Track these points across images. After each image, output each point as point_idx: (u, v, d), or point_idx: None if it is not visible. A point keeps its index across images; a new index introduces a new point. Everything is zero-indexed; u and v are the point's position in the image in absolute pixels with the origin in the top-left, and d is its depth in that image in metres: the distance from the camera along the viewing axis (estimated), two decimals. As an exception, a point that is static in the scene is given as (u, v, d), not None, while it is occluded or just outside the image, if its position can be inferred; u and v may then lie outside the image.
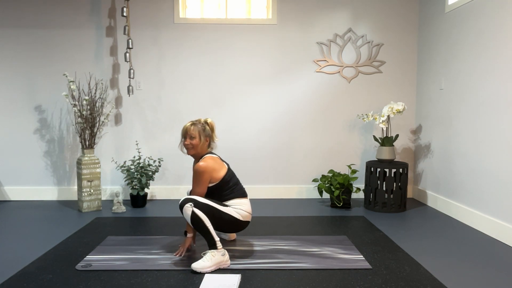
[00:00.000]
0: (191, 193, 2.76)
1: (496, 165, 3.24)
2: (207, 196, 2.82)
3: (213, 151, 2.90)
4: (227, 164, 2.88)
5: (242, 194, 2.84)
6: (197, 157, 2.85)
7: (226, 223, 2.71)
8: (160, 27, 4.45)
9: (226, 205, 2.74)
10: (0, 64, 4.40)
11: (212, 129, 2.87)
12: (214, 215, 2.63)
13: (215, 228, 2.71)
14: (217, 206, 2.67)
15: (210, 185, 2.75)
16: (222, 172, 2.76)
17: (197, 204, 2.58)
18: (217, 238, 2.59)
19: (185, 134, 2.79)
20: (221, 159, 2.88)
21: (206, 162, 2.71)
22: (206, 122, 2.86)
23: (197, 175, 2.68)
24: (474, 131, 3.52)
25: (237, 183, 2.85)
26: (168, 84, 4.51)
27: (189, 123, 2.80)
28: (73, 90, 4.08)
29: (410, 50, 4.58)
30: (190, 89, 4.52)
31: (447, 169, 3.96)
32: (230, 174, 2.82)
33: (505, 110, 3.14)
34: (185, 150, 2.94)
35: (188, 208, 2.56)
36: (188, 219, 2.57)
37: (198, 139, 2.77)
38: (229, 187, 2.79)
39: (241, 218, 2.76)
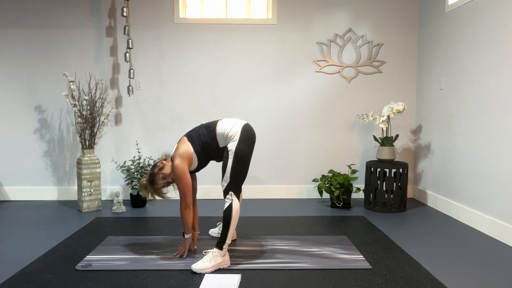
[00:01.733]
0: (179, 188, 2.68)
1: (496, 165, 3.24)
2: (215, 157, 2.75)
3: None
4: (184, 135, 2.79)
5: (214, 124, 2.72)
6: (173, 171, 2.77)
7: (246, 150, 2.62)
8: (160, 27, 4.45)
9: (226, 153, 2.64)
10: (0, 64, 4.40)
11: (154, 172, 2.72)
12: (240, 165, 2.59)
13: (250, 159, 2.66)
14: (230, 164, 2.58)
15: (196, 162, 2.70)
16: (188, 146, 2.67)
17: (233, 186, 2.57)
18: (228, 241, 2.58)
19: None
20: (178, 142, 2.80)
21: (176, 159, 2.65)
22: (145, 182, 2.75)
23: (177, 173, 2.63)
24: (474, 131, 3.52)
25: (201, 128, 2.74)
26: (168, 84, 4.51)
27: (143, 190, 2.77)
28: (73, 90, 4.08)
29: (410, 50, 4.58)
30: (190, 89, 4.52)
31: (447, 169, 3.96)
32: (192, 136, 2.71)
33: (505, 110, 3.14)
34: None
35: (229, 199, 2.57)
36: (224, 207, 2.58)
37: (162, 180, 2.73)
38: (201, 137, 2.69)
39: (239, 135, 2.63)
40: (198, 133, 2.72)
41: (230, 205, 2.57)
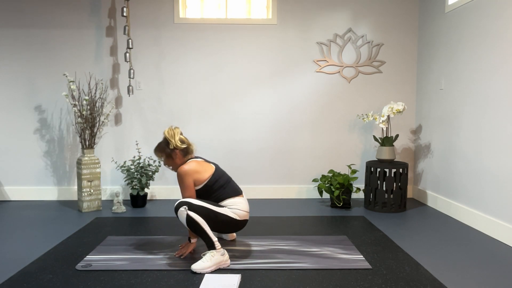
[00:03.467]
0: (182, 196, 2.75)
1: (496, 165, 3.24)
2: (200, 198, 2.79)
3: (197, 156, 2.85)
4: (215, 165, 2.85)
5: (236, 192, 2.82)
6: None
7: (223, 224, 2.70)
8: (160, 27, 4.45)
9: (222, 206, 2.72)
10: (0, 64, 4.40)
11: (170, 139, 2.77)
12: (210, 216, 2.62)
13: (212, 230, 2.71)
14: (212, 207, 2.65)
15: (198, 187, 2.73)
16: (207, 173, 2.73)
17: (192, 207, 2.57)
18: (215, 239, 2.58)
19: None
20: (207, 161, 2.85)
21: (188, 165, 2.70)
22: (164, 137, 2.82)
23: (180, 179, 2.68)
24: (474, 131, 3.52)
25: (228, 181, 2.82)
26: (168, 84, 4.51)
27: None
28: (73, 90, 4.08)
29: (410, 50, 4.58)
30: (190, 89, 4.52)
31: (447, 169, 3.96)
32: (218, 173, 2.78)
33: (505, 110, 3.14)
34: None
35: (183, 212, 2.56)
36: (184, 222, 2.57)
37: (166, 159, 2.80)
38: (220, 186, 2.75)
39: (238, 218, 2.74)
40: (222, 181, 2.78)
41: (188, 215, 2.56)
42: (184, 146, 2.77)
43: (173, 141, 2.76)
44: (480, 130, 3.44)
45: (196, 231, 2.56)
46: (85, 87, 4.42)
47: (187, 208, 2.56)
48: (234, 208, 2.74)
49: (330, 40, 4.52)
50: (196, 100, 4.53)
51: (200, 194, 2.77)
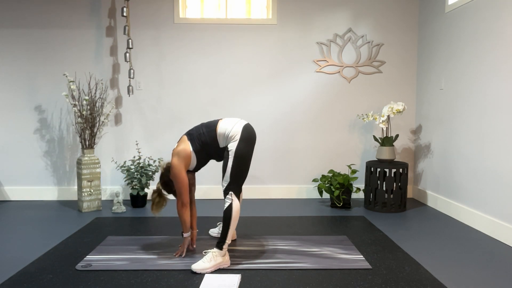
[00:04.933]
0: (175, 187, 2.71)
1: (496, 165, 3.24)
2: (206, 158, 2.77)
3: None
4: (185, 133, 2.79)
5: (215, 124, 2.72)
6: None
7: (246, 150, 2.61)
8: (160, 27, 4.45)
9: (227, 153, 2.63)
10: (0, 64, 4.40)
11: (166, 172, 2.79)
12: (241, 165, 2.58)
13: (251, 159, 2.67)
14: (230, 164, 2.58)
15: (194, 159, 2.71)
16: (187, 146, 2.68)
17: (234, 186, 2.57)
18: (228, 241, 2.58)
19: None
20: (178, 140, 2.83)
21: (173, 157, 2.68)
22: (166, 170, 2.80)
23: (173, 172, 2.66)
24: (474, 131, 3.52)
25: (202, 126, 2.74)
26: (168, 84, 4.51)
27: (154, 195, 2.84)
28: (73, 90, 4.08)
29: (410, 50, 4.58)
30: (190, 89, 4.52)
31: (447, 169, 3.96)
32: (191, 135, 2.72)
33: (505, 110, 3.14)
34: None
35: (229, 199, 2.57)
36: (224, 207, 2.58)
37: (167, 189, 2.82)
38: (201, 137, 2.69)
39: (240, 135, 2.62)
40: (198, 132, 2.72)
41: (230, 205, 2.57)
42: (163, 177, 2.81)
43: (166, 172, 2.79)
44: (480, 130, 3.44)
45: (224, 222, 2.57)
46: (85, 87, 4.42)
47: (233, 194, 2.57)
48: (229, 136, 2.63)
49: (330, 40, 4.52)
50: (196, 100, 4.53)
51: (202, 159, 2.75)
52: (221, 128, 2.68)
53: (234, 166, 2.59)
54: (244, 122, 2.71)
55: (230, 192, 2.58)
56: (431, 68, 4.27)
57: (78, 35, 4.42)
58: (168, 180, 2.81)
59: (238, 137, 2.62)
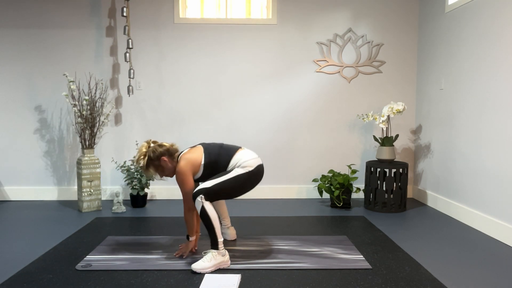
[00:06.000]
0: (182, 192, 2.71)
1: (496, 165, 3.24)
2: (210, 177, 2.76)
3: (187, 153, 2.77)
4: (202, 143, 2.82)
5: (234, 150, 2.76)
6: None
7: (245, 182, 2.65)
8: (160, 27, 4.45)
9: (230, 170, 2.68)
10: (0, 64, 4.40)
11: (155, 151, 2.71)
12: (228, 186, 2.59)
13: (240, 194, 2.68)
14: (224, 177, 2.61)
15: (200, 172, 2.72)
16: (199, 156, 2.70)
17: (208, 191, 2.54)
18: (220, 239, 2.57)
19: None
20: (192, 146, 2.83)
21: (182, 161, 2.67)
22: (148, 150, 2.73)
23: (180, 178, 2.65)
24: (474, 131, 3.52)
25: (221, 146, 2.78)
26: (168, 84, 4.51)
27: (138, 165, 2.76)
28: (73, 90, 4.08)
29: (410, 50, 4.58)
30: (190, 89, 4.52)
31: (447, 169, 3.96)
32: (208, 149, 2.74)
33: (505, 110, 3.14)
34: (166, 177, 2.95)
35: (199, 202, 2.54)
36: (198, 212, 2.56)
37: (159, 171, 2.76)
38: (216, 155, 2.71)
39: (251, 168, 2.68)
40: (215, 151, 2.74)
41: (203, 207, 2.54)
42: (165, 147, 2.74)
43: (161, 149, 2.72)
44: (480, 130, 3.44)
45: (206, 225, 2.55)
46: (85, 87, 4.42)
47: (203, 198, 2.54)
48: (241, 163, 2.69)
49: (330, 40, 4.52)
50: (196, 100, 4.53)
51: (206, 175, 2.75)
52: (238, 156, 2.72)
53: (224, 181, 2.60)
54: (260, 161, 2.77)
55: (201, 196, 2.55)
56: (431, 68, 4.27)
57: (78, 35, 4.42)
58: (150, 166, 2.73)
59: (248, 169, 2.67)
